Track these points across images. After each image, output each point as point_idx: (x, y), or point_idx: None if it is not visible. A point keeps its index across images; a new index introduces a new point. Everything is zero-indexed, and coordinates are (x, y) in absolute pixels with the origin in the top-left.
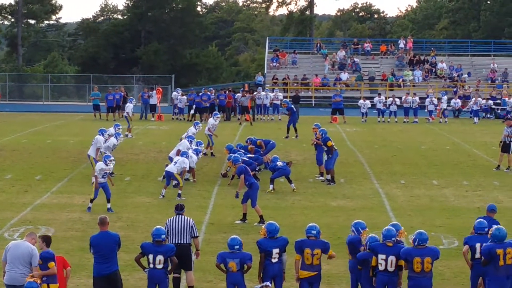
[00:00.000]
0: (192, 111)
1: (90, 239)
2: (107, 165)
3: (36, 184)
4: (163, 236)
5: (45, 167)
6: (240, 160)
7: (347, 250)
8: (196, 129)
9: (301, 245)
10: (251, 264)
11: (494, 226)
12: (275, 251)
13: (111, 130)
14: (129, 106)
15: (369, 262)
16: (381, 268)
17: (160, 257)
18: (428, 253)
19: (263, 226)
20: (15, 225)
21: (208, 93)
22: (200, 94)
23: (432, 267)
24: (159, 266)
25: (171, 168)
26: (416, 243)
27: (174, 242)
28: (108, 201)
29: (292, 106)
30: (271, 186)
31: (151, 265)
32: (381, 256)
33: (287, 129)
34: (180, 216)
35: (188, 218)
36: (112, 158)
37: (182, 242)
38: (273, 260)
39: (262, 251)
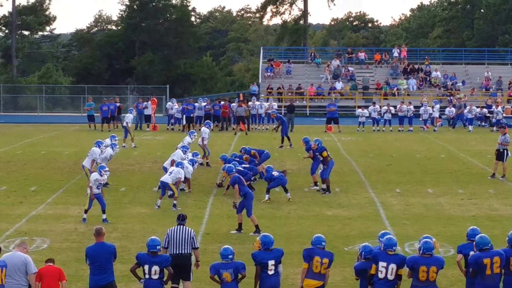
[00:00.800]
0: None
1: (86, 250)
2: (101, 175)
3: (31, 196)
4: (158, 247)
5: (40, 178)
6: (234, 170)
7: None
8: (191, 139)
9: (311, 253)
10: (245, 273)
11: (477, 236)
12: (271, 262)
13: (107, 141)
14: (129, 117)
15: (367, 272)
16: (381, 276)
17: (155, 268)
18: (434, 262)
19: (257, 238)
20: (10, 237)
21: (194, 103)
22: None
23: (437, 277)
24: (155, 277)
25: (166, 178)
26: (421, 252)
27: (174, 252)
28: (103, 211)
29: (281, 116)
30: (266, 196)
31: (147, 276)
32: (382, 264)
33: (282, 139)
34: (182, 226)
35: (189, 229)
36: (107, 169)
37: (182, 252)
38: (270, 272)
39: (257, 263)
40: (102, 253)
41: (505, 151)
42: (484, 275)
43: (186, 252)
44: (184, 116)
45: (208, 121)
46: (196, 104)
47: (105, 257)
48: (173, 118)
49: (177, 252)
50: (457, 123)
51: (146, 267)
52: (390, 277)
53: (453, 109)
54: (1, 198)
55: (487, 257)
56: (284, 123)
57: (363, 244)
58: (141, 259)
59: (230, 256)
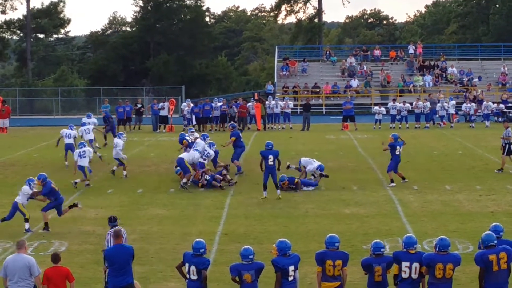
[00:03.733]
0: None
1: (104, 252)
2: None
3: None
4: (201, 250)
5: (57, 181)
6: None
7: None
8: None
9: (323, 256)
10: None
11: (485, 232)
12: (291, 268)
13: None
14: (119, 143)
15: (373, 268)
16: (405, 275)
17: (193, 268)
18: (451, 259)
19: (274, 245)
20: (28, 240)
21: (210, 103)
22: (198, 104)
23: (453, 274)
24: (194, 277)
25: (183, 155)
26: (437, 249)
27: None
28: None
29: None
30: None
31: (187, 275)
32: (405, 264)
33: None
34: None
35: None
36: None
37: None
38: (290, 279)
39: (278, 269)
40: (121, 255)
41: (508, 145)
42: (492, 271)
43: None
44: (194, 116)
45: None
46: (212, 104)
47: (124, 258)
48: (185, 119)
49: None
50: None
51: (187, 265)
52: (414, 276)
53: (471, 104)
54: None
55: (493, 254)
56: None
57: (375, 241)
58: (185, 257)
59: (251, 257)
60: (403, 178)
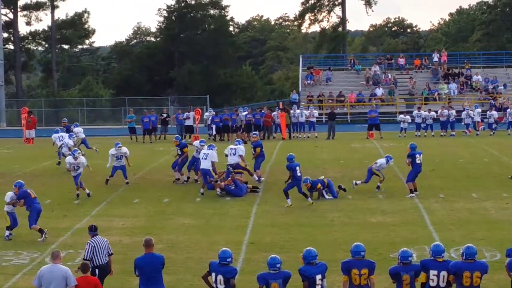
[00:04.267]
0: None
1: (135, 261)
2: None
3: (75, 208)
4: (228, 259)
5: (81, 192)
6: None
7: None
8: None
9: (348, 266)
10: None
11: None
12: (318, 277)
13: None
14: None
15: (401, 276)
16: (432, 284)
17: (220, 277)
18: (478, 267)
19: (300, 254)
20: (59, 250)
21: (230, 113)
22: (219, 114)
23: (481, 282)
24: (220, 287)
25: (205, 164)
26: (464, 257)
27: (100, 262)
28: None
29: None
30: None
31: (214, 285)
32: (433, 272)
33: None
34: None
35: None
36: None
37: (104, 262)
38: None
39: (305, 278)
40: (151, 264)
41: None
42: None
43: (106, 261)
44: (215, 126)
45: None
46: (233, 113)
47: (155, 267)
48: (209, 128)
49: (103, 262)
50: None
51: (213, 275)
52: (442, 284)
53: (494, 112)
54: (45, 211)
55: None
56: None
57: (403, 249)
58: (211, 267)
59: (278, 265)
60: (415, 190)
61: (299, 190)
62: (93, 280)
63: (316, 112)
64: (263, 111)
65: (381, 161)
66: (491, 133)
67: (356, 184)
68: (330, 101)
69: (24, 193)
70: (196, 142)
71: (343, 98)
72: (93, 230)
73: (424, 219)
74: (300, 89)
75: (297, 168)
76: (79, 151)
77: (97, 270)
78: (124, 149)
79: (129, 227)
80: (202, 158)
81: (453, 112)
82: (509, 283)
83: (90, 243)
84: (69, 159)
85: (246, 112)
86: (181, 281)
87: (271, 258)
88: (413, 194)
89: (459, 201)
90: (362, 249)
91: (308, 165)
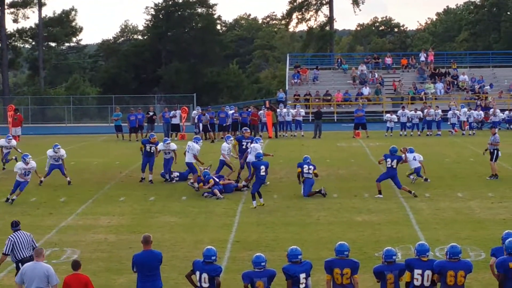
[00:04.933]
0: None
1: (133, 257)
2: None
3: (60, 206)
4: (213, 258)
5: (69, 189)
6: None
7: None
8: (228, 143)
9: (331, 265)
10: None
11: (507, 240)
12: (302, 276)
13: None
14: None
15: (385, 275)
16: (417, 283)
17: (205, 275)
18: (462, 266)
19: (285, 253)
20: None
21: (208, 112)
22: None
23: (465, 281)
24: (205, 285)
25: (188, 158)
26: (449, 256)
27: (23, 256)
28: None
29: None
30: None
31: (198, 283)
32: (417, 271)
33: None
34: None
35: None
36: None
37: (27, 255)
38: (301, 286)
39: (289, 277)
40: (150, 261)
41: (495, 151)
42: (511, 279)
43: (29, 255)
44: (201, 124)
45: (228, 135)
46: (220, 112)
47: (153, 264)
48: (197, 126)
49: (25, 256)
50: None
51: (198, 273)
52: (427, 283)
53: (481, 112)
54: (31, 209)
55: None
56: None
57: (387, 248)
58: (195, 265)
59: (263, 264)
60: (380, 192)
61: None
62: (84, 278)
63: (302, 111)
64: (249, 109)
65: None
66: (471, 133)
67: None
68: (317, 100)
69: None
70: (160, 145)
71: (329, 97)
72: (13, 226)
73: (410, 218)
74: (287, 88)
75: (262, 167)
76: (30, 156)
77: (20, 264)
78: (62, 151)
79: (114, 225)
80: (186, 151)
81: (439, 111)
82: (493, 282)
83: (10, 238)
84: (20, 164)
85: (233, 111)
86: (167, 279)
87: (256, 257)
88: (381, 195)
89: (445, 201)
90: (346, 248)
91: (294, 164)
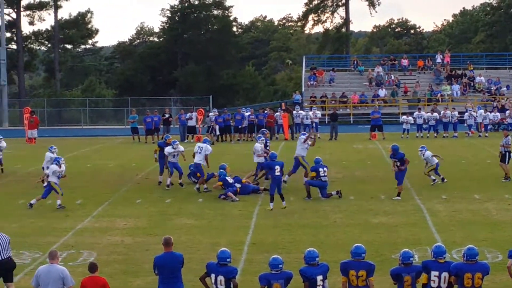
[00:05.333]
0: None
1: (154, 259)
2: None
3: (77, 209)
4: (228, 260)
5: (85, 192)
6: None
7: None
8: (260, 143)
9: (346, 267)
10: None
11: None
12: (319, 278)
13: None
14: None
15: (402, 277)
16: (434, 285)
17: (221, 278)
18: (479, 268)
19: (302, 255)
20: (57, 250)
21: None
22: (221, 115)
23: (482, 283)
24: (221, 287)
25: (198, 158)
26: (466, 258)
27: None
28: None
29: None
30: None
31: (214, 286)
32: (434, 273)
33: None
34: None
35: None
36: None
37: (5, 257)
38: None
39: (306, 279)
40: (171, 263)
41: (507, 153)
42: None
43: (6, 256)
44: (218, 126)
45: (259, 135)
46: (236, 114)
47: (174, 266)
48: (212, 129)
49: (2, 258)
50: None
51: (213, 276)
52: (443, 285)
53: (497, 114)
54: (47, 211)
55: None
56: None
57: (404, 249)
58: (209, 268)
59: (280, 266)
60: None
61: (279, 190)
62: (101, 280)
63: (318, 113)
64: (265, 111)
65: (428, 153)
66: (485, 135)
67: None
68: (333, 102)
69: None
70: (168, 148)
71: (346, 99)
72: None
73: (426, 220)
74: (303, 90)
75: (277, 167)
76: (62, 159)
77: None
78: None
79: (131, 227)
80: (197, 152)
81: (456, 113)
82: (510, 284)
83: None
84: (55, 167)
85: (249, 113)
86: (183, 282)
87: (273, 259)
88: (399, 197)
89: (461, 202)
90: (363, 250)
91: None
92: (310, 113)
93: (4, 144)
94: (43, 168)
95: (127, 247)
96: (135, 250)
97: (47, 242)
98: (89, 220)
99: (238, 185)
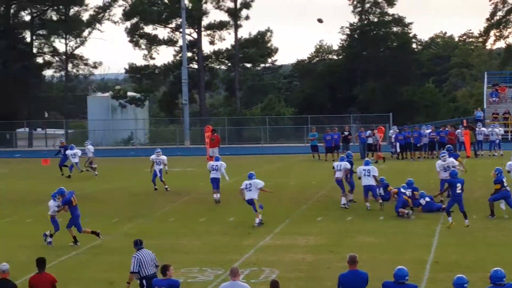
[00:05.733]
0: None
1: (339, 277)
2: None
3: (258, 226)
4: (406, 278)
5: (267, 209)
6: None
7: None
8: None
9: None
10: None
11: None
12: None
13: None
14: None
15: None
16: None
17: None
18: None
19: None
20: (240, 267)
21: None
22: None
23: None
24: None
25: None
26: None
27: (147, 273)
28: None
29: None
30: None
31: None
32: None
33: None
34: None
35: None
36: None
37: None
38: None
39: None
40: (355, 281)
41: None
42: None
43: (153, 272)
44: (398, 144)
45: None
46: (421, 131)
47: (359, 284)
48: (393, 146)
49: (149, 273)
50: None
51: None
52: None
53: None
54: (229, 229)
55: None
56: None
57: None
58: (386, 287)
59: (465, 285)
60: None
61: (460, 208)
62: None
63: (501, 130)
64: (446, 129)
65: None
66: None
67: None
68: None
69: (68, 200)
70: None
71: None
72: (138, 244)
73: None
74: (484, 107)
75: (458, 184)
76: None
77: (144, 281)
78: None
79: (312, 245)
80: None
81: None
82: None
83: (135, 256)
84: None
85: (430, 130)
86: None
87: (458, 278)
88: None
89: None
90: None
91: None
92: (496, 129)
93: (91, 148)
94: None
95: (308, 265)
96: (317, 268)
97: (229, 259)
98: (271, 238)
99: (425, 200)
